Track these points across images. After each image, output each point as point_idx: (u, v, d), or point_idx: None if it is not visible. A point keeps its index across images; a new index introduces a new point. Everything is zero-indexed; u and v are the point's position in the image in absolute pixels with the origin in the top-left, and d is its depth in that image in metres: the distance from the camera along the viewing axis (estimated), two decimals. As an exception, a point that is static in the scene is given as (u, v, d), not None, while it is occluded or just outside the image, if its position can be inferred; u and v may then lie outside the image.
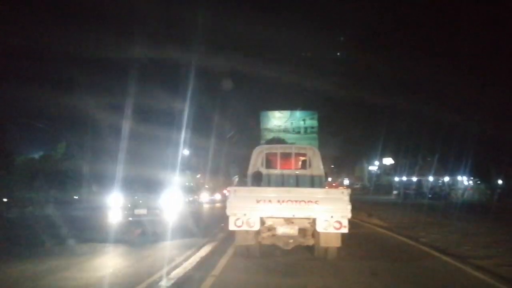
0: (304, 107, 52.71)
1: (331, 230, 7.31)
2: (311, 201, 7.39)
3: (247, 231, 7.57)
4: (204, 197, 25.20)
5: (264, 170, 9.89)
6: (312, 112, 52.69)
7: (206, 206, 21.41)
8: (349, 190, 7.55)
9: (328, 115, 52.43)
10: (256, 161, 9.94)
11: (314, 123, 52.51)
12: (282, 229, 7.79)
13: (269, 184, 9.68)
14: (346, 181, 73.17)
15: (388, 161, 52.10)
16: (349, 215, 7.34)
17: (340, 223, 7.27)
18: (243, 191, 7.99)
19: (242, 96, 44.63)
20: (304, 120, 52.83)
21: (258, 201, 7.49)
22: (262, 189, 8.42)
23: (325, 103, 51.29)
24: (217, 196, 29.51)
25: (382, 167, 55.73)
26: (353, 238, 9.12)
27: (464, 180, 39.65)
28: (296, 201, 7.40)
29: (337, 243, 7.57)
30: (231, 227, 7.57)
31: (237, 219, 7.45)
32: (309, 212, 7.46)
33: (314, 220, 7.52)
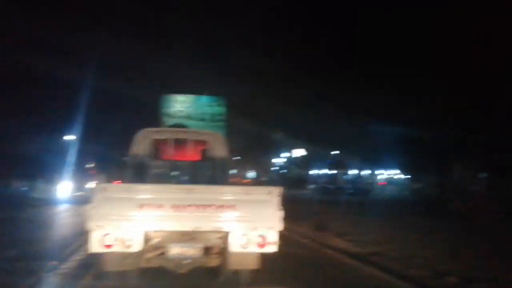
0: (211, 92, 47.66)
1: (252, 248, 5.06)
2: (224, 206, 5.03)
3: (122, 254, 4.94)
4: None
5: (149, 162, 7.43)
6: (219, 97, 47.80)
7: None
8: (279, 189, 5.10)
9: (237, 103, 48.10)
10: (139, 148, 7.38)
11: (222, 110, 47.60)
12: (177, 249, 5.22)
13: (156, 180, 7.25)
14: (252, 174, 69.79)
15: (299, 152, 49.30)
16: (280, 227, 5.03)
17: (264, 237, 5.04)
18: (117, 189, 5.15)
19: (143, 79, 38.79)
20: (210, 106, 47.70)
21: (141, 206, 4.90)
22: (147, 187, 5.68)
23: (234, 89, 47.23)
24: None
25: (291, 159, 52.91)
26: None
27: (382, 174, 37.92)
28: (201, 205, 4.97)
29: (253, 264, 5.41)
30: (94, 247, 4.81)
31: (106, 234, 4.78)
32: (220, 223, 5.04)
33: (226, 234, 5.18)
